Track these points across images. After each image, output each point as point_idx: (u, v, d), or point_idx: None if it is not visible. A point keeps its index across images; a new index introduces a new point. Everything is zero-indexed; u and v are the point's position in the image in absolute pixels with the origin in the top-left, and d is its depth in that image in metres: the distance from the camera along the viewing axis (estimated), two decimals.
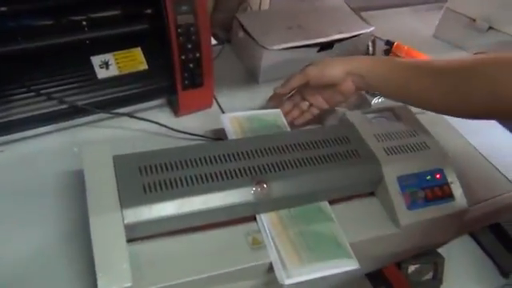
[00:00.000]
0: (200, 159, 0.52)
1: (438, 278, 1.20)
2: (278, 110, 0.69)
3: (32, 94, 0.62)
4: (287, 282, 0.48)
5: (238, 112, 0.66)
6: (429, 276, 1.20)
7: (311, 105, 0.70)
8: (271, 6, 1.01)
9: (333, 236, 0.53)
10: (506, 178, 0.73)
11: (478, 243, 1.32)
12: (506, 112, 0.55)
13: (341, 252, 0.52)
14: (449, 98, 0.58)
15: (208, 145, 0.64)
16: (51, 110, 0.63)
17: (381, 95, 0.73)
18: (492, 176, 0.74)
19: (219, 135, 0.69)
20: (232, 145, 0.56)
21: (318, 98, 0.69)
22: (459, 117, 0.61)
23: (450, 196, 0.58)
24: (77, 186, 0.57)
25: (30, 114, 0.62)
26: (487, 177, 0.73)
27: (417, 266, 1.19)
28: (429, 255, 1.18)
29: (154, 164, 0.50)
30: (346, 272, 0.56)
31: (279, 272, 0.49)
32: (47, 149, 0.65)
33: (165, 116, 0.74)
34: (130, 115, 0.69)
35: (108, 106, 0.67)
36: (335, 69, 0.64)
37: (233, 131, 0.63)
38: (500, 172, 0.74)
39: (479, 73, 0.56)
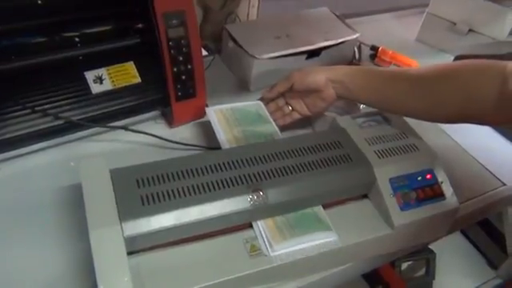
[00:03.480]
0: (196, 169, 0.52)
1: (430, 273, 1.22)
2: (259, 102, 0.72)
3: (27, 111, 0.62)
4: (272, 254, 0.52)
5: (221, 105, 0.70)
6: (422, 272, 1.22)
7: (293, 109, 0.73)
8: (259, 16, 1.03)
9: (313, 212, 0.56)
10: (493, 175, 0.75)
11: (468, 238, 1.35)
12: (478, 116, 0.57)
13: (320, 225, 0.55)
14: (424, 103, 0.60)
15: (203, 155, 0.64)
16: (47, 126, 0.63)
17: (360, 102, 0.75)
18: (479, 174, 0.75)
19: (212, 143, 0.69)
20: (227, 154, 0.56)
21: (300, 103, 0.72)
22: (436, 122, 0.65)
23: (441, 195, 0.60)
24: (75, 201, 0.57)
25: (25, 131, 0.62)
26: (475, 175, 0.75)
27: (410, 262, 1.21)
28: (421, 252, 1.20)
29: (150, 176, 0.51)
30: (344, 273, 0.58)
31: (265, 248, 0.52)
32: (44, 165, 0.66)
33: (159, 127, 0.75)
34: (126, 128, 0.69)
35: (103, 120, 0.68)
36: (318, 75, 0.67)
37: (218, 123, 0.66)
38: (487, 169, 0.76)
39: (453, 79, 0.58)
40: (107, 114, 0.68)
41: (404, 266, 1.23)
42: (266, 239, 0.53)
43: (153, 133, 0.69)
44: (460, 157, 0.68)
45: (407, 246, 0.62)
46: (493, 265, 1.30)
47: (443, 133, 0.82)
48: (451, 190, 0.60)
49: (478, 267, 1.30)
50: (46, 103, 0.63)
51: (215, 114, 0.68)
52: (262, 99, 0.74)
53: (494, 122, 0.68)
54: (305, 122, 0.77)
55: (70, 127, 0.66)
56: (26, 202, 0.60)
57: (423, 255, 1.23)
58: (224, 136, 0.65)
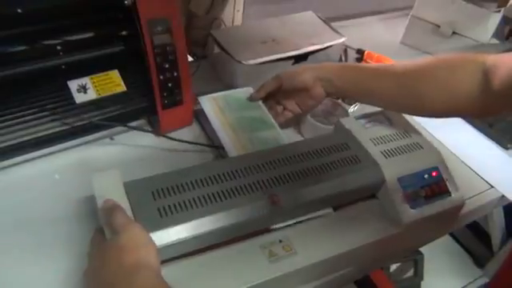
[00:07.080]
0: (210, 178, 0.52)
1: (419, 274, 1.23)
2: (249, 88, 0.75)
3: (9, 123, 0.59)
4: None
5: (214, 93, 0.74)
6: (410, 273, 1.23)
7: (285, 108, 0.73)
8: (244, 21, 1.01)
9: None
10: (481, 177, 0.74)
11: (455, 238, 1.37)
12: (463, 110, 0.59)
13: None
14: (409, 100, 0.61)
15: (214, 163, 0.64)
16: (29, 138, 0.60)
17: (348, 98, 0.77)
18: (467, 176, 0.74)
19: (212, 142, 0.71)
20: (238, 161, 0.56)
21: (291, 102, 0.72)
22: (421, 116, 0.65)
23: (446, 192, 0.60)
24: (72, 214, 0.56)
25: (7, 143, 0.59)
26: (463, 178, 0.71)
27: (398, 264, 1.21)
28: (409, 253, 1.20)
29: (165, 187, 0.50)
30: (340, 278, 0.57)
31: None
32: (28, 177, 0.62)
33: (146, 136, 0.71)
34: (111, 137, 0.68)
35: (88, 130, 0.65)
36: (305, 74, 0.67)
37: (211, 109, 0.70)
38: (475, 172, 0.75)
39: (432, 77, 0.59)
40: (92, 123, 0.65)
41: (392, 267, 1.23)
42: None
43: (139, 142, 0.68)
44: (447, 159, 0.66)
45: (416, 244, 0.61)
46: (479, 264, 1.32)
47: (428, 134, 0.80)
48: (456, 186, 0.61)
49: (465, 267, 1.32)
50: (28, 114, 0.60)
51: (208, 101, 0.71)
52: (250, 100, 0.73)
53: (479, 115, 0.68)
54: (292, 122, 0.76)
55: (53, 139, 0.63)
56: (9, 217, 0.56)
57: (411, 257, 1.23)
58: (217, 121, 0.68)
